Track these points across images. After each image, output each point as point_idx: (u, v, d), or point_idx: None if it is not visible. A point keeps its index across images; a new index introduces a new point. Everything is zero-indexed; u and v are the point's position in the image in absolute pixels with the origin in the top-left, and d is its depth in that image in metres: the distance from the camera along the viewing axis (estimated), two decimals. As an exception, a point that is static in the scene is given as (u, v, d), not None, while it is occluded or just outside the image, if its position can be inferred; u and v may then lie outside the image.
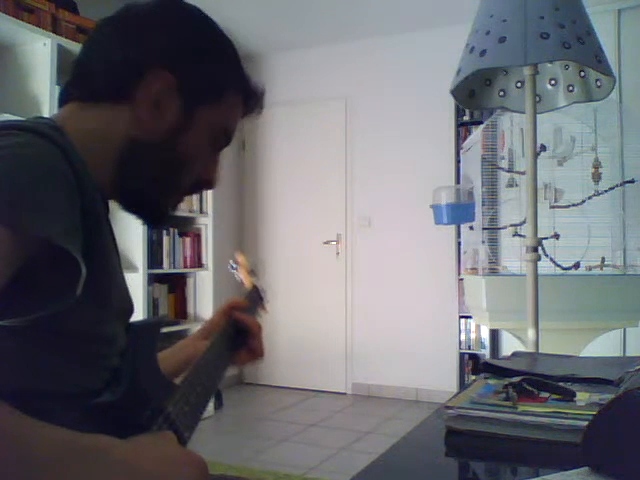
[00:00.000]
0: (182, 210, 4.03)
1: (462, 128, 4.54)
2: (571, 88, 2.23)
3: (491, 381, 1.01)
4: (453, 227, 4.41)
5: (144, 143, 0.77)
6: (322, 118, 5.02)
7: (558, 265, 2.92)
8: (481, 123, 3.82)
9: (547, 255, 2.81)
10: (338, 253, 4.92)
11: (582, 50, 1.88)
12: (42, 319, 0.64)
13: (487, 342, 4.35)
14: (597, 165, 3.10)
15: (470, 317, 4.30)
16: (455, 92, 2.17)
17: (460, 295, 4.38)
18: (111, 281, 0.74)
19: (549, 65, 2.24)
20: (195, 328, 3.85)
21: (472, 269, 3.28)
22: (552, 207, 3.04)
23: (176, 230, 4.03)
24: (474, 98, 2.31)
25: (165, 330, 3.32)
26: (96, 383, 0.72)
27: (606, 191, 3.06)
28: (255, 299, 1.16)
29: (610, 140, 3.24)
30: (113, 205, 0.81)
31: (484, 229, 3.27)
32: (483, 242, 3.21)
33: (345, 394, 4.83)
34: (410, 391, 4.61)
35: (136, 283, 3.52)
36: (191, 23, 0.81)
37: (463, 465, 0.82)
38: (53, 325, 0.66)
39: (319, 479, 2.96)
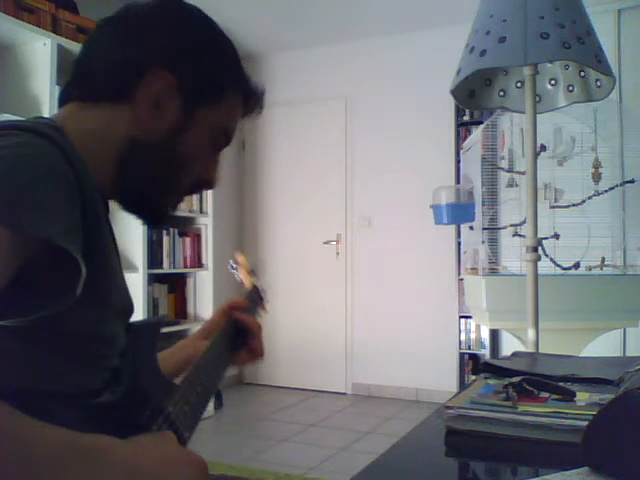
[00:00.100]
0: (182, 210, 4.03)
1: (462, 128, 4.54)
2: (571, 88, 2.23)
3: (491, 381, 1.01)
4: (453, 227, 4.41)
5: (144, 143, 0.77)
6: (322, 118, 5.01)
7: (558, 265, 2.92)
8: (481, 123, 3.82)
9: (547, 255, 2.81)
10: (338, 253, 4.92)
11: (582, 50, 1.88)
12: (42, 319, 0.64)
13: (487, 342, 4.35)
14: (597, 165, 3.10)
15: (470, 317, 4.30)
16: (455, 92, 2.17)
17: (460, 295, 4.38)
18: (111, 281, 0.74)
19: (549, 65, 2.24)
20: (195, 328, 3.85)
21: (472, 269, 3.28)
22: (552, 207, 3.04)
23: (176, 230, 4.03)
24: (474, 98, 2.30)
25: (165, 330, 3.32)
26: (96, 383, 0.72)
27: (606, 191, 3.06)
28: (255, 299, 1.16)
29: (610, 140, 3.24)
30: (113, 205, 0.81)
31: (484, 229, 3.27)
32: (483, 242, 3.20)
33: (345, 394, 4.82)
34: (410, 391, 4.61)
35: (136, 283, 3.52)
36: (191, 23, 0.81)
37: (463, 465, 0.82)
38: (53, 325, 0.66)
39: (319, 479, 2.96)
